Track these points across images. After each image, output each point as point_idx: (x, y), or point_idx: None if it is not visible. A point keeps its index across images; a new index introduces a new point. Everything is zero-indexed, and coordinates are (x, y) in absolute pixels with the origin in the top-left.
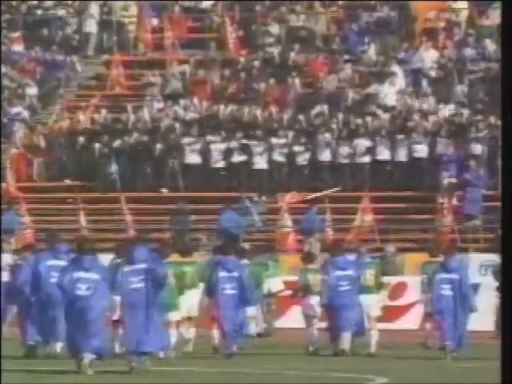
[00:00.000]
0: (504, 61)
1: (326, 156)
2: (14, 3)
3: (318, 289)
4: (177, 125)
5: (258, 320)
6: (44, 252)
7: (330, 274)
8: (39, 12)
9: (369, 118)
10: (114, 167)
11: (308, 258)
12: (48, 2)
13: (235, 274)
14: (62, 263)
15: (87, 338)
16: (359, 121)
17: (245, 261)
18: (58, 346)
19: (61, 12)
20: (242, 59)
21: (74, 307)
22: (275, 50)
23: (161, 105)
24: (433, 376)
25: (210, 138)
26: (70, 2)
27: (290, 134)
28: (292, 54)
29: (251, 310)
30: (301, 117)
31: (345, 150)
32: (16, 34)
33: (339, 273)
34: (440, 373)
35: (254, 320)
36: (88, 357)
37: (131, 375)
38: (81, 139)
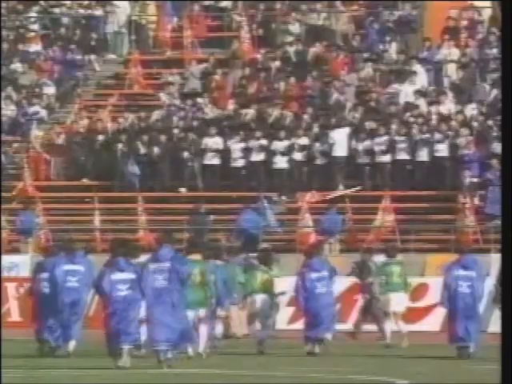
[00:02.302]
0: (504, 61)
1: (345, 155)
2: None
3: (265, 288)
4: (196, 124)
5: (234, 322)
6: (61, 256)
7: (306, 276)
8: (57, 11)
9: (390, 117)
10: (133, 168)
11: (264, 258)
12: (68, 1)
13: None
14: (78, 268)
15: (128, 333)
16: (380, 120)
17: (219, 262)
18: (71, 345)
19: (97, 12)
20: (259, 58)
21: (116, 306)
22: (295, 49)
23: (180, 104)
24: (455, 377)
25: (229, 137)
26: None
27: (310, 133)
28: (312, 53)
29: (219, 311)
30: (320, 116)
31: (365, 148)
32: (33, 33)
33: (314, 275)
34: (462, 374)
35: (223, 321)
36: (126, 346)
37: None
38: (99, 138)
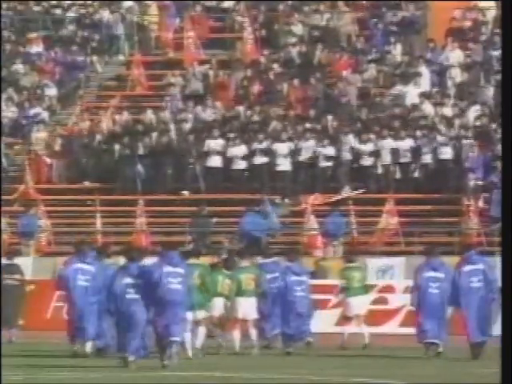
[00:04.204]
0: (504, 60)
1: (349, 157)
2: (32, 3)
3: (226, 292)
4: (198, 126)
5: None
6: (72, 256)
7: (287, 279)
8: (58, 11)
9: (393, 119)
10: (137, 168)
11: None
12: (67, 1)
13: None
14: (88, 267)
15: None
16: (383, 122)
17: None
18: (88, 346)
19: (105, 14)
20: (262, 60)
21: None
22: (298, 50)
23: (182, 106)
24: (455, 379)
25: (231, 139)
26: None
27: (313, 135)
28: (315, 54)
29: (199, 314)
30: (324, 118)
31: (368, 151)
32: (34, 35)
33: (294, 278)
34: (463, 376)
35: (202, 324)
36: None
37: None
38: (101, 141)
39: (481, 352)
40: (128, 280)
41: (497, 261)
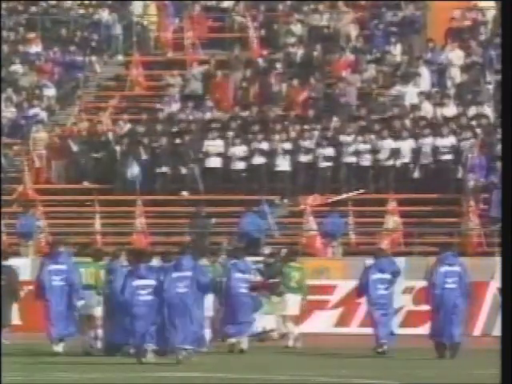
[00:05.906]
0: (504, 61)
1: (348, 158)
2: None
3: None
4: (197, 126)
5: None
6: (47, 257)
7: (231, 276)
8: (57, 11)
9: (393, 119)
10: (132, 170)
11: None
12: (68, 2)
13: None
14: (63, 267)
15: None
16: (383, 122)
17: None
18: (60, 346)
19: (104, 14)
20: (262, 59)
21: (133, 311)
22: (298, 50)
23: (180, 106)
24: (457, 381)
25: (230, 139)
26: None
27: (313, 135)
28: (315, 54)
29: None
30: (324, 118)
31: (368, 151)
32: (33, 35)
33: (239, 275)
34: (464, 378)
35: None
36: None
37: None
38: (100, 141)
39: (454, 352)
40: (137, 282)
41: (496, 261)
